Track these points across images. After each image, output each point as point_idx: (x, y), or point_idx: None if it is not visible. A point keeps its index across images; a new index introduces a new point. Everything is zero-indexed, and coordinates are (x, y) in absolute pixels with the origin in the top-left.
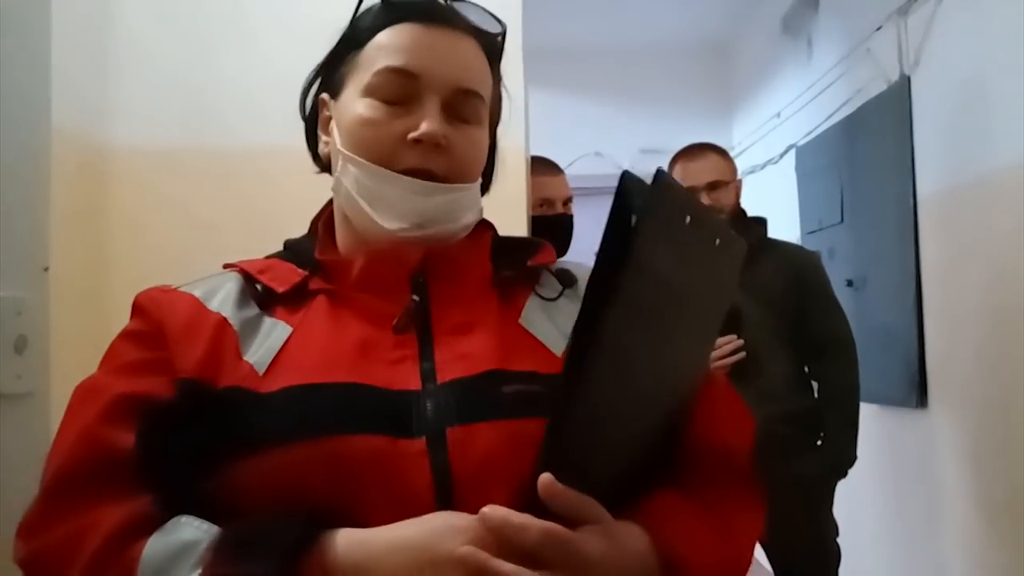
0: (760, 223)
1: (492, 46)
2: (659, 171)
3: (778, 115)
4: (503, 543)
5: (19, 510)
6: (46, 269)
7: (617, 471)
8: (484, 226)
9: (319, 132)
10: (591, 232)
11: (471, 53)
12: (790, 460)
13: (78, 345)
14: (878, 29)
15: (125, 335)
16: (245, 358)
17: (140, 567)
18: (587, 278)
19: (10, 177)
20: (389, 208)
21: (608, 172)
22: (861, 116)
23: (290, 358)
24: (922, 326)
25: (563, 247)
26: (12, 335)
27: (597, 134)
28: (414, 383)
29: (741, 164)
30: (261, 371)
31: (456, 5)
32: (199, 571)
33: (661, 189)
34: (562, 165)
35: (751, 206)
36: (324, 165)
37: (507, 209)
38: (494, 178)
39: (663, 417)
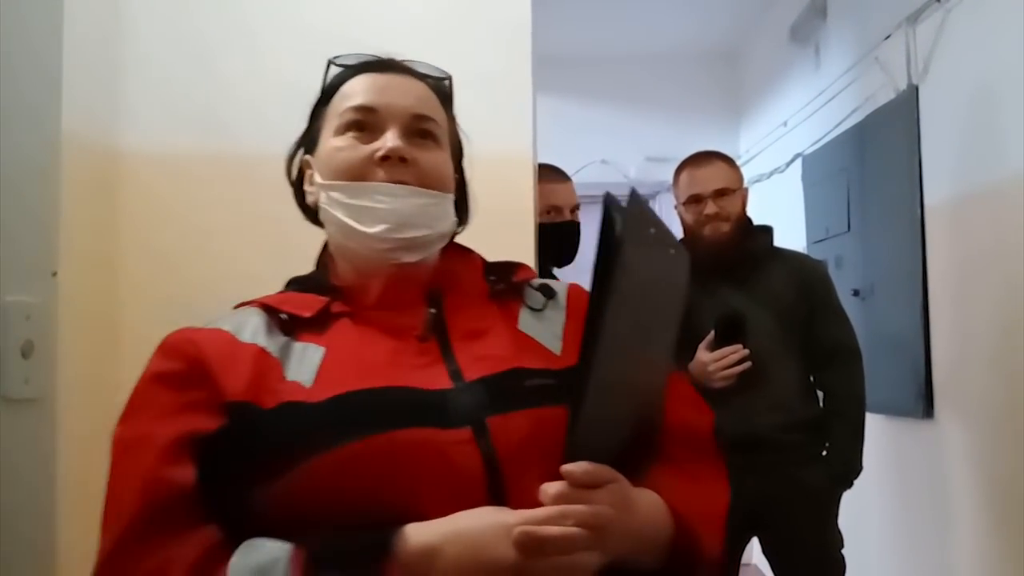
0: (766, 231)
1: (441, 89)
2: (633, 191)
3: (785, 124)
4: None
5: (26, 513)
6: (54, 274)
7: (620, 445)
8: (469, 251)
9: (305, 188)
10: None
11: (421, 90)
12: (796, 470)
13: (85, 350)
14: (887, 38)
15: (158, 377)
16: (289, 378)
17: None
18: (566, 291)
19: (19, 182)
20: (370, 215)
21: (615, 180)
22: (869, 125)
23: (331, 372)
24: (929, 336)
25: (571, 254)
26: (20, 340)
27: (604, 142)
28: (445, 382)
29: (748, 172)
30: (308, 384)
31: (404, 61)
32: None
33: (637, 203)
34: (569, 172)
35: (757, 214)
36: (313, 216)
37: (515, 215)
38: (471, 213)
39: (647, 401)
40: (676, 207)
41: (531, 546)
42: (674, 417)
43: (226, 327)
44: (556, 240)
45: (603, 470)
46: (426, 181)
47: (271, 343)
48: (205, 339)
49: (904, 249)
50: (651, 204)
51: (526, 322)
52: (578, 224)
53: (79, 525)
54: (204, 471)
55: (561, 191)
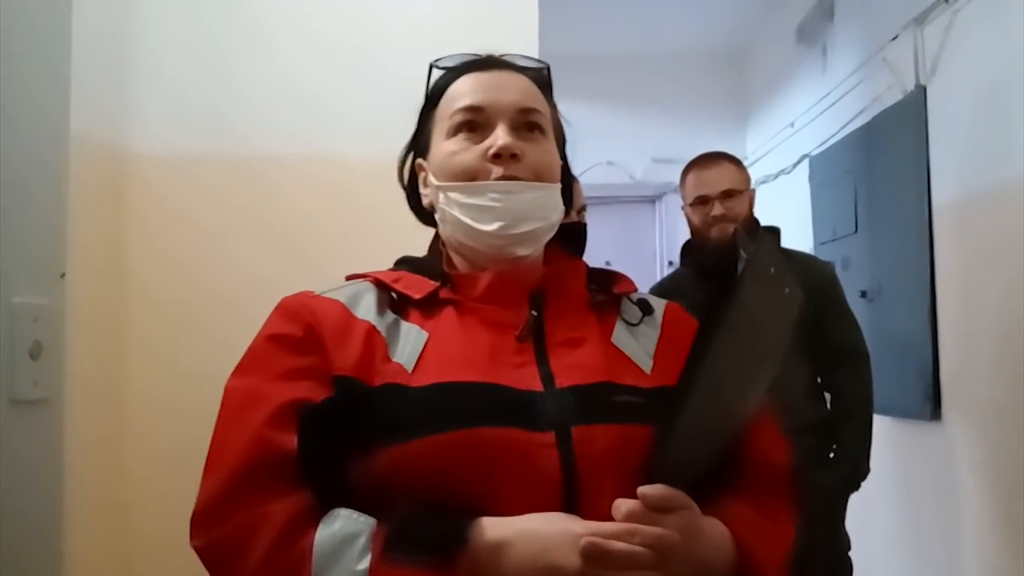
0: (773, 232)
1: (541, 78)
2: (765, 228)
3: (792, 124)
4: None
5: (34, 513)
6: (63, 275)
7: (702, 473)
8: (574, 257)
9: (420, 190)
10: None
11: (524, 83)
12: (806, 472)
13: (93, 351)
14: (894, 38)
15: (275, 338)
16: (394, 359)
17: (314, 554)
18: (663, 309)
19: (28, 183)
20: (486, 213)
21: (621, 181)
22: (876, 126)
23: (432, 358)
24: (936, 338)
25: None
26: (28, 341)
27: (610, 143)
28: (536, 385)
29: (755, 173)
30: (410, 369)
31: (503, 56)
32: (367, 559)
33: (764, 241)
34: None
35: (764, 216)
36: (427, 218)
37: None
38: (575, 198)
39: (734, 434)
40: (683, 208)
41: (596, 557)
42: (755, 451)
43: (342, 299)
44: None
45: (678, 495)
46: (537, 173)
47: (381, 321)
48: (323, 309)
49: (911, 250)
50: (656, 205)
51: (620, 336)
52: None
53: (87, 526)
54: (306, 438)
55: None
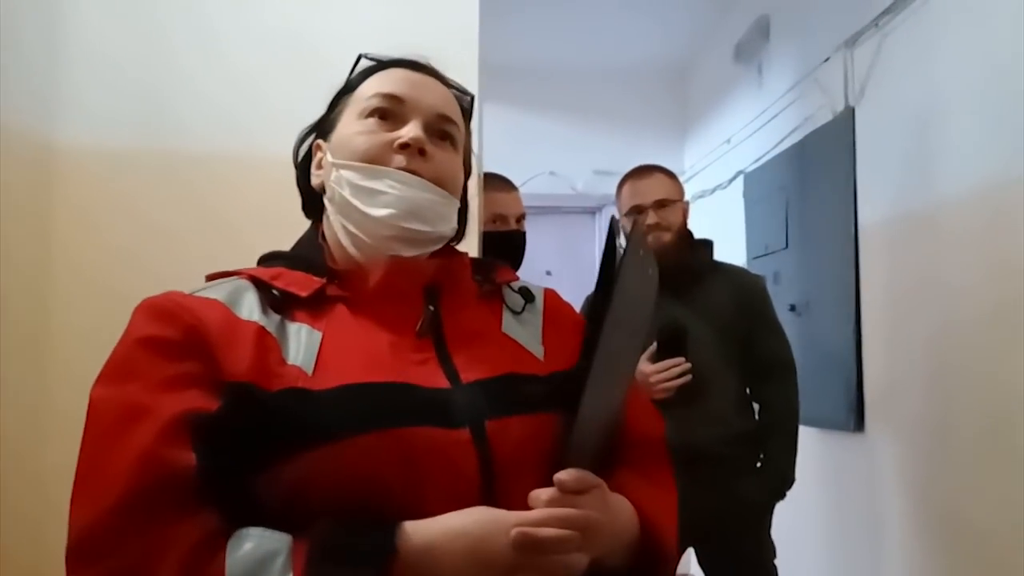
0: (706, 245)
1: (463, 103)
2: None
3: (728, 141)
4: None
5: None
6: None
7: (603, 451)
8: (459, 251)
9: (312, 171)
10: (545, 249)
11: (448, 95)
12: (732, 481)
13: (19, 342)
14: (826, 60)
15: (149, 341)
16: (289, 362)
17: None
18: (542, 295)
19: None
20: (378, 198)
21: (562, 192)
22: (807, 145)
23: (331, 360)
24: (861, 352)
25: (515, 263)
26: None
27: (552, 153)
28: (442, 381)
29: (692, 188)
30: (309, 371)
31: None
32: None
33: (635, 228)
34: (517, 183)
35: (701, 230)
36: (314, 201)
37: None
38: (467, 230)
39: (620, 410)
40: (619, 220)
41: (528, 546)
42: (633, 423)
43: (220, 298)
44: (501, 249)
45: (589, 476)
46: (439, 179)
47: (268, 322)
48: (203, 308)
49: (839, 267)
50: (596, 217)
51: (509, 325)
52: (523, 233)
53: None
54: (202, 453)
55: (507, 200)
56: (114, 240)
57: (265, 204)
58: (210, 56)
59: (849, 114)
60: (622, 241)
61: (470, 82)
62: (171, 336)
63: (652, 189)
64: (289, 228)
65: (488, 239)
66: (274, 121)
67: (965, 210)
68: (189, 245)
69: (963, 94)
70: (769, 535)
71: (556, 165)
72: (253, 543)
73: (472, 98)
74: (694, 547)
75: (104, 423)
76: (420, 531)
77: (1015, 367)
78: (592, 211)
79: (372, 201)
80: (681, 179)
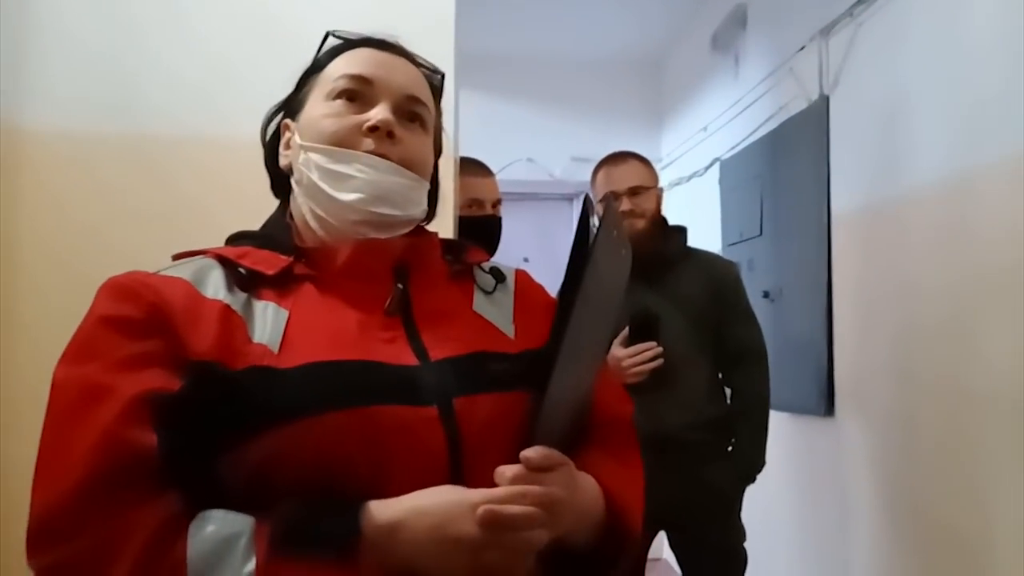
0: (680, 231)
1: (433, 82)
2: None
3: (705, 129)
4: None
5: None
6: None
7: (571, 430)
8: (429, 231)
9: (280, 151)
10: (522, 236)
11: (417, 75)
12: (702, 466)
13: None
14: (801, 49)
15: (111, 320)
16: (255, 340)
17: (189, 563)
18: (513, 275)
19: None
20: (346, 182)
21: (540, 179)
22: (782, 133)
23: (298, 338)
24: (832, 338)
25: (491, 248)
26: None
27: (530, 140)
28: (410, 359)
29: (669, 176)
30: (275, 350)
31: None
32: (252, 561)
33: (609, 208)
34: (494, 170)
35: (677, 217)
36: (282, 181)
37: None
38: (437, 211)
39: (589, 389)
40: (594, 205)
41: (494, 523)
42: (602, 404)
43: (186, 276)
44: (477, 234)
45: (555, 454)
46: (409, 162)
47: (234, 300)
48: (166, 287)
49: (811, 255)
50: (574, 203)
51: (480, 304)
52: (499, 218)
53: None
54: (164, 434)
55: (483, 185)
56: (85, 223)
57: (239, 186)
58: (182, 38)
59: (823, 103)
60: (595, 221)
61: (446, 70)
62: (133, 315)
63: (626, 176)
64: (264, 210)
65: (464, 224)
66: (248, 103)
67: (935, 199)
68: (162, 228)
69: (934, 83)
70: (739, 518)
71: (534, 152)
72: (215, 525)
73: (442, 76)
74: (665, 531)
75: (65, 404)
76: (385, 510)
77: (980, 354)
78: (570, 198)
79: (340, 185)
80: (658, 166)
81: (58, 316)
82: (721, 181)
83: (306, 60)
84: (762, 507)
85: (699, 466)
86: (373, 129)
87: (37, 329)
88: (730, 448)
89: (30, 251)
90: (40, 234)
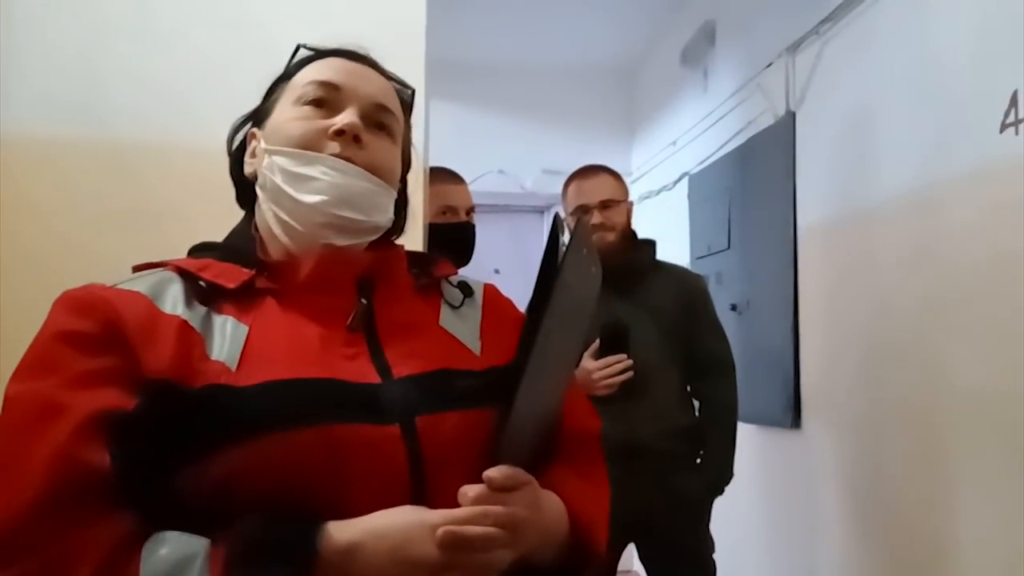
0: (649, 244)
1: (403, 96)
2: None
3: (674, 143)
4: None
5: None
6: None
7: (537, 448)
8: (395, 243)
9: (245, 159)
10: (494, 247)
11: (387, 86)
12: (672, 477)
13: None
14: (768, 65)
15: (66, 336)
16: (213, 357)
17: None
18: (482, 290)
19: None
20: (310, 184)
21: (511, 191)
22: (750, 148)
23: (257, 355)
24: (799, 351)
25: (466, 256)
26: None
27: (501, 152)
28: (373, 377)
29: (639, 189)
30: (233, 367)
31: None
32: None
33: (580, 225)
34: (467, 178)
35: (647, 230)
36: (248, 191)
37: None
38: (406, 225)
39: (557, 407)
40: (564, 218)
41: (454, 545)
42: (570, 421)
43: (143, 290)
44: (451, 241)
45: (519, 473)
46: (375, 168)
47: (192, 315)
48: (122, 301)
49: (778, 268)
50: (545, 216)
51: (447, 319)
52: (473, 225)
53: None
54: (118, 453)
55: (456, 192)
56: (58, 227)
57: (214, 190)
58: (158, 43)
59: (790, 118)
60: (566, 239)
61: (416, 78)
62: (88, 330)
63: (597, 189)
64: (238, 215)
65: (437, 231)
66: (221, 107)
67: (900, 212)
68: (136, 232)
69: (898, 99)
70: (708, 529)
71: (505, 163)
72: (169, 547)
73: (412, 92)
74: (635, 542)
75: (18, 421)
76: (343, 531)
77: (946, 366)
78: (541, 210)
79: (304, 187)
80: (629, 180)
81: (37, 320)
82: (690, 195)
83: (279, 65)
84: (730, 518)
85: (669, 476)
86: (339, 133)
87: (16, 332)
88: (699, 460)
89: (8, 253)
90: (14, 237)
